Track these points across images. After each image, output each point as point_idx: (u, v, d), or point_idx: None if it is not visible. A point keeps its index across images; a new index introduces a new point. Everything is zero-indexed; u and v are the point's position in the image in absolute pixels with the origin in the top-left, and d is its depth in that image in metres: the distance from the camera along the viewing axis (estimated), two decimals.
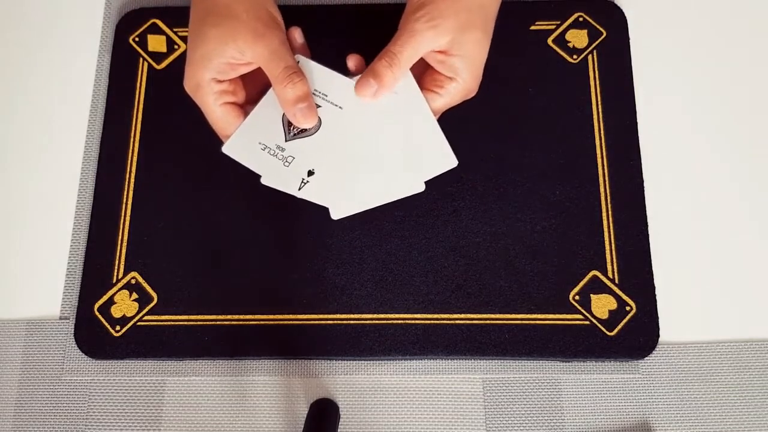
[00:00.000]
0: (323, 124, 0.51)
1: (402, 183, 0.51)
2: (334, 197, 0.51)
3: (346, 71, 0.52)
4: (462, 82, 0.50)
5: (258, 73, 0.51)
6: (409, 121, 0.51)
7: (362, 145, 0.51)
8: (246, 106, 0.53)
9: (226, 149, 0.51)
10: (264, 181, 0.51)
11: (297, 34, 0.53)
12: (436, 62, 0.50)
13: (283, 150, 0.51)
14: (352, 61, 0.52)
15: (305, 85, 0.50)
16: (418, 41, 0.49)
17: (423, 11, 0.49)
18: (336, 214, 0.51)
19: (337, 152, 0.51)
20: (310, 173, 0.51)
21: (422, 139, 0.51)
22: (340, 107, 0.51)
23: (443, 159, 0.51)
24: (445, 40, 0.49)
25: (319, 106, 0.51)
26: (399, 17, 0.51)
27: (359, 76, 0.51)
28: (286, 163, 0.51)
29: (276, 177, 0.50)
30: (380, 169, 0.51)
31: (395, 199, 0.51)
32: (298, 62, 0.52)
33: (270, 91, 0.51)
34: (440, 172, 0.51)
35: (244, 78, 0.52)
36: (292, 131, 0.51)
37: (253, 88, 0.53)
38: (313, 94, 0.51)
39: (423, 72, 0.52)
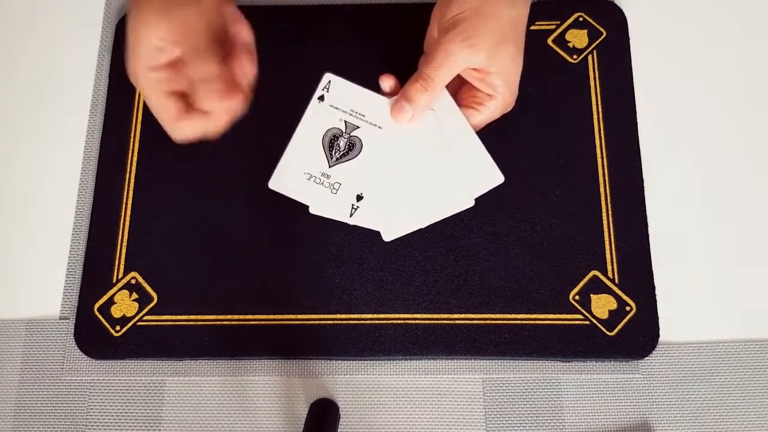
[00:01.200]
0: (364, 145, 0.51)
1: (452, 200, 0.51)
2: (384, 220, 0.51)
3: (374, 82, 0.52)
4: (501, 98, 0.51)
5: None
6: (451, 139, 0.51)
7: (407, 165, 0.51)
8: (191, 94, 0.50)
9: (273, 185, 0.51)
10: (313, 210, 0.51)
11: (242, 31, 0.51)
12: (473, 79, 0.51)
13: (328, 177, 0.51)
14: (386, 84, 0.52)
15: (210, 66, 0.48)
16: (453, 62, 0.49)
17: (458, 30, 0.49)
18: (388, 237, 0.51)
19: (382, 173, 0.51)
20: (359, 198, 0.51)
21: (467, 156, 0.51)
22: (379, 127, 0.52)
23: (490, 175, 0.51)
24: (481, 58, 0.49)
25: (358, 127, 0.51)
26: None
27: (395, 97, 0.51)
28: (334, 191, 0.51)
29: (326, 206, 0.51)
30: (428, 188, 0.51)
31: (446, 216, 0.51)
32: (330, 81, 0.52)
33: (303, 120, 0.52)
34: (488, 189, 0.52)
35: (183, 63, 0.49)
36: (334, 156, 0.51)
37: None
38: (350, 114, 0.52)
39: (459, 87, 0.52)
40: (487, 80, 0.50)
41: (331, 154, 0.51)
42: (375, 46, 0.61)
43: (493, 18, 0.49)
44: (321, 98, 0.52)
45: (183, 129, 0.49)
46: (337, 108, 0.52)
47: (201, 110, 0.49)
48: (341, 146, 0.51)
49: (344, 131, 0.52)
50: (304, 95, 0.53)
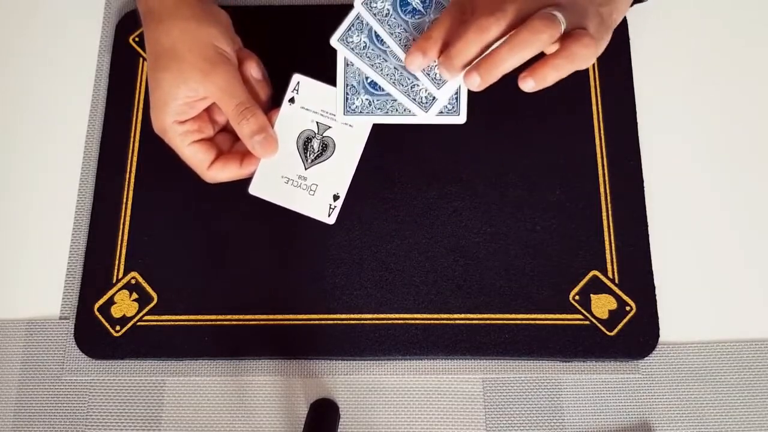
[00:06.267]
0: (337, 145, 0.52)
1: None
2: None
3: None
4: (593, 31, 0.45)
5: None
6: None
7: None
8: (217, 137, 0.54)
9: (253, 190, 0.52)
10: (299, 210, 0.52)
11: (253, 70, 0.53)
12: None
13: (305, 179, 0.52)
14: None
15: (259, 117, 0.51)
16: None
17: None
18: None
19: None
20: (336, 197, 0.51)
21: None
22: (350, 125, 0.52)
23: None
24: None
25: (330, 127, 0.52)
26: None
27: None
28: (311, 192, 0.51)
29: (305, 208, 0.52)
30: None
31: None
32: (298, 83, 0.52)
33: (275, 123, 0.52)
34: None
35: (211, 107, 0.53)
36: (309, 158, 0.52)
37: (221, 114, 0.54)
38: (321, 114, 0.52)
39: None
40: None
41: (306, 156, 0.52)
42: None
43: None
44: (291, 100, 0.53)
45: (217, 175, 0.53)
46: (308, 109, 0.53)
47: (233, 155, 0.53)
48: (315, 148, 0.52)
49: (317, 132, 0.52)
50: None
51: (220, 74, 0.50)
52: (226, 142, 0.54)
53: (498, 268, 0.56)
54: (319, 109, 0.52)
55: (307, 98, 0.53)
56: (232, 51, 0.52)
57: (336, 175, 0.52)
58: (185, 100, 0.50)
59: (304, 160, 0.52)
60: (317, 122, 0.52)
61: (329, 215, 0.51)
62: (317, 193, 0.51)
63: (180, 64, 0.50)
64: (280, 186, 0.52)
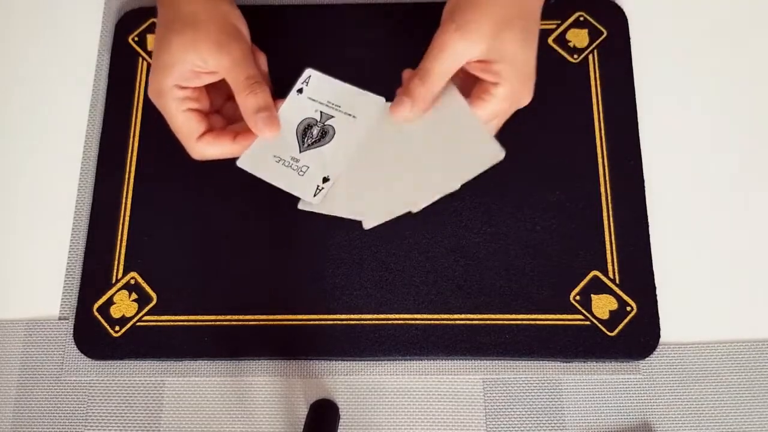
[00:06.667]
0: (336, 133, 0.51)
1: (438, 183, 0.49)
2: (363, 208, 0.50)
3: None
4: (508, 85, 0.47)
5: (222, 84, 0.51)
6: (443, 116, 0.49)
7: (390, 144, 0.50)
8: (211, 116, 0.52)
9: (241, 163, 0.51)
10: (279, 185, 0.50)
11: (262, 62, 0.53)
12: (478, 71, 0.48)
13: (297, 161, 0.50)
14: (408, 74, 0.50)
15: (267, 94, 0.50)
16: (449, 54, 0.47)
17: (452, 21, 0.46)
18: (368, 224, 0.50)
19: (354, 159, 0.50)
20: (325, 180, 0.50)
21: (460, 133, 0.48)
22: (353, 116, 0.51)
23: (487, 151, 0.47)
24: (479, 50, 0.46)
25: (332, 117, 0.51)
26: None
27: (376, 96, 0.50)
28: (300, 173, 0.50)
29: (290, 186, 0.50)
30: (412, 171, 0.49)
31: (430, 201, 0.49)
32: (309, 77, 0.52)
33: (279, 110, 0.51)
34: (485, 168, 0.48)
35: (209, 88, 0.52)
36: (306, 142, 0.51)
37: (218, 97, 0.53)
38: (327, 105, 0.51)
39: (473, 84, 0.49)
40: (491, 69, 0.47)
41: (303, 141, 0.51)
42: (359, 47, 0.61)
43: (491, 4, 0.46)
44: (300, 91, 0.52)
45: (206, 150, 0.51)
46: (314, 100, 0.52)
47: (226, 131, 0.51)
48: (314, 134, 0.51)
49: (319, 120, 0.51)
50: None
51: (235, 47, 0.50)
52: (219, 122, 0.53)
53: (498, 269, 0.56)
54: (326, 101, 0.52)
55: (316, 91, 0.52)
56: (247, 34, 0.52)
57: (330, 160, 0.50)
58: (192, 68, 0.49)
59: (300, 144, 0.51)
60: (321, 111, 0.51)
61: (314, 195, 0.50)
62: (307, 174, 0.50)
63: (196, 32, 0.49)
64: (270, 164, 0.50)
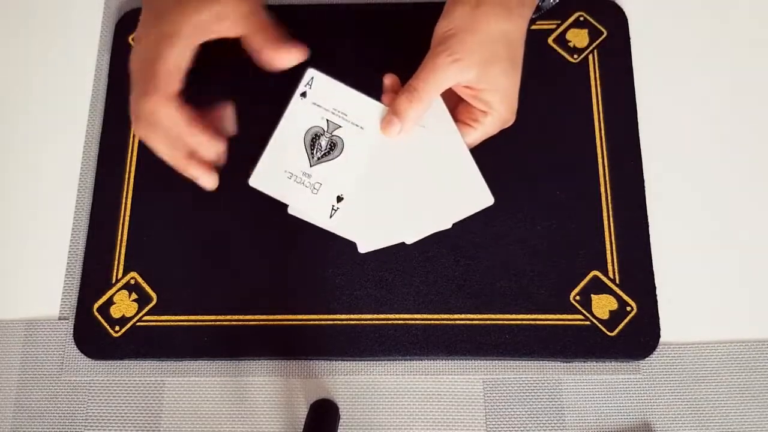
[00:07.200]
0: (346, 146, 0.50)
1: (431, 219, 0.50)
2: (361, 229, 0.50)
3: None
4: (496, 114, 0.50)
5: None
6: (442, 155, 0.50)
7: (389, 172, 0.50)
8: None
9: (253, 182, 0.50)
10: (292, 211, 0.50)
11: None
12: (467, 96, 0.50)
13: (309, 176, 0.50)
14: (388, 80, 0.51)
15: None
16: (439, 76, 0.48)
17: (445, 45, 0.48)
18: (363, 248, 0.51)
19: (363, 176, 0.50)
20: (339, 199, 0.50)
21: (456, 174, 0.50)
22: (361, 127, 0.50)
23: (478, 196, 0.50)
24: (470, 75, 0.48)
25: (340, 126, 0.50)
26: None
27: (381, 104, 0.50)
28: (315, 191, 0.50)
29: (306, 205, 0.50)
30: (408, 203, 0.50)
31: (423, 236, 0.51)
32: (312, 78, 0.51)
33: (285, 117, 0.50)
34: (475, 211, 0.50)
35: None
36: (315, 155, 0.50)
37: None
38: (333, 113, 0.50)
39: (457, 104, 0.51)
40: (480, 97, 0.49)
41: (312, 153, 0.50)
42: (358, 46, 0.61)
43: (483, 33, 0.48)
44: (303, 95, 0.51)
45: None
46: (319, 106, 0.51)
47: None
48: (323, 146, 0.50)
49: (326, 130, 0.51)
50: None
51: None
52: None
53: (498, 269, 0.56)
54: (331, 108, 0.51)
55: (320, 95, 0.51)
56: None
57: (342, 177, 0.50)
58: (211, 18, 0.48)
59: (310, 157, 0.50)
60: (327, 119, 0.51)
61: (330, 217, 0.50)
62: (320, 191, 0.50)
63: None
64: (282, 180, 0.50)
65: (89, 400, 0.54)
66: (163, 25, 0.48)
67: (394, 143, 0.50)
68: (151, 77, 0.47)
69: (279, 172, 0.50)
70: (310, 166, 0.50)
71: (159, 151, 0.49)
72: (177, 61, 0.48)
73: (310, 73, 0.51)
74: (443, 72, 0.48)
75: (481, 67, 0.48)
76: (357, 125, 0.50)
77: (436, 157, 0.50)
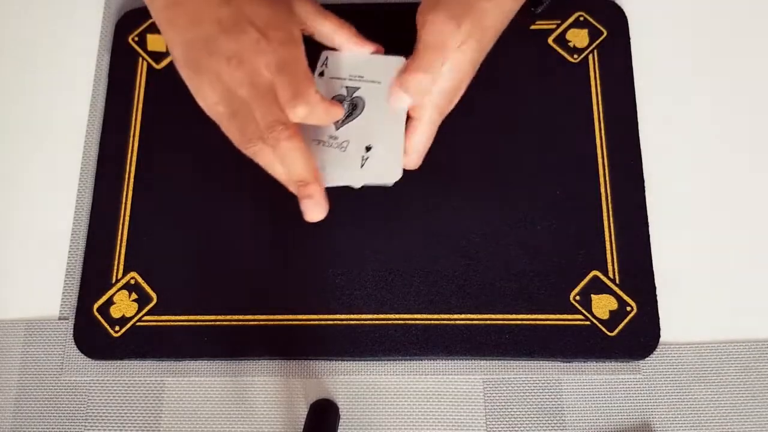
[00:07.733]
0: (367, 103, 0.52)
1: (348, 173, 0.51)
2: (388, 168, 0.51)
3: None
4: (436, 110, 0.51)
5: None
6: (388, 117, 0.52)
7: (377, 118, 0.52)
8: None
9: None
10: (325, 183, 0.50)
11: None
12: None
13: (336, 138, 0.51)
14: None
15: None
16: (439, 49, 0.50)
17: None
18: (392, 179, 0.51)
19: (387, 124, 0.52)
20: (368, 149, 0.51)
21: (388, 139, 0.51)
22: (378, 82, 0.52)
23: (391, 169, 0.51)
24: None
25: (359, 88, 0.52)
26: (409, 18, 0.51)
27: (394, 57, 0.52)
28: (342, 149, 0.51)
29: (336, 166, 0.51)
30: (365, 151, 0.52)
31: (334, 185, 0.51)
32: (327, 58, 0.53)
33: None
34: (380, 184, 0.51)
35: None
36: (339, 119, 0.51)
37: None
38: (350, 79, 0.52)
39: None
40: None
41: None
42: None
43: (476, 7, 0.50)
44: (321, 74, 0.53)
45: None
46: (337, 78, 0.53)
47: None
48: (345, 109, 0.52)
49: (346, 96, 0.52)
50: None
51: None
52: None
53: (498, 268, 0.56)
54: (347, 75, 0.52)
55: (336, 69, 0.53)
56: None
57: (367, 128, 0.51)
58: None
59: (335, 122, 0.52)
60: (346, 86, 0.52)
61: (361, 166, 0.51)
62: (349, 148, 0.51)
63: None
64: (312, 148, 0.51)
65: (89, 400, 0.54)
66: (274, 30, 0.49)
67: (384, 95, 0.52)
68: (301, 78, 0.48)
69: (308, 142, 0.50)
70: (336, 129, 0.51)
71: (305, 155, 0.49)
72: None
73: (325, 54, 0.53)
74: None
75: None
76: (374, 81, 0.52)
77: (385, 118, 0.52)
